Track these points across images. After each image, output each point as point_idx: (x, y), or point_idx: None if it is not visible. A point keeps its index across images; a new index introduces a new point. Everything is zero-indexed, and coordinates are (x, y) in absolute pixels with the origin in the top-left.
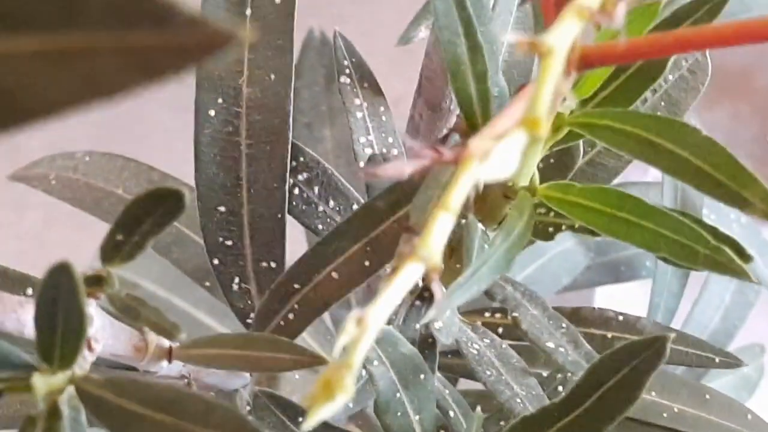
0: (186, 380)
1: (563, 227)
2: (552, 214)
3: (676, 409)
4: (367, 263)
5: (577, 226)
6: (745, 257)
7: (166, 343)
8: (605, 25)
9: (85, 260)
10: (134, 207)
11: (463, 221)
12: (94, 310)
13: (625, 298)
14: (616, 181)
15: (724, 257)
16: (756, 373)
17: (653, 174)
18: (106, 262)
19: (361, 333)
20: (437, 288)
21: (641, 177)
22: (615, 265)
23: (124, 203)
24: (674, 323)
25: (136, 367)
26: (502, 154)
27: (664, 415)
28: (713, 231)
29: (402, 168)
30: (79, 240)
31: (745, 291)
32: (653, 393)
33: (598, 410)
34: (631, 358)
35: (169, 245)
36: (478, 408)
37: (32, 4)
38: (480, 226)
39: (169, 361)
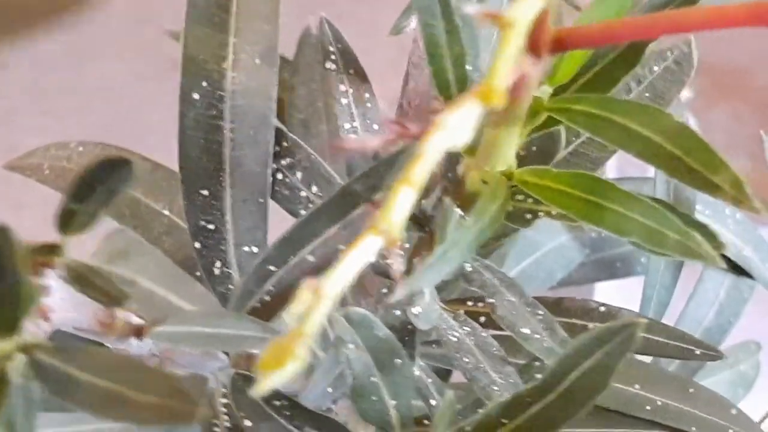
0: (158, 359)
1: (540, 213)
2: (530, 200)
3: (659, 402)
4: (342, 246)
5: (554, 212)
6: (717, 243)
7: (135, 319)
8: (568, 2)
9: (83, 256)
10: (85, 175)
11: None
12: (53, 280)
13: (623, 295)
14: (613, 176)
15: (693, 242)
16: (752, 370)
17: (653, 171)
18: (62, 231)
19: (316, 302)
20: (396, 262)
21: (642, 173)
22: (610, 262)
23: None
24: (669, 319)
25: (104, 343)
26: (457, 122)
27: (648, 407)
28: (683, 216)
29: (367, 141)
30: (77, 239)
31: (740, 287)
32: (636, 386)
33: (569, 395)
34: (602, 343)
35: (161, 235)
36: (450, 390)
37: None
38: (458, 210)
39: (139, 339)
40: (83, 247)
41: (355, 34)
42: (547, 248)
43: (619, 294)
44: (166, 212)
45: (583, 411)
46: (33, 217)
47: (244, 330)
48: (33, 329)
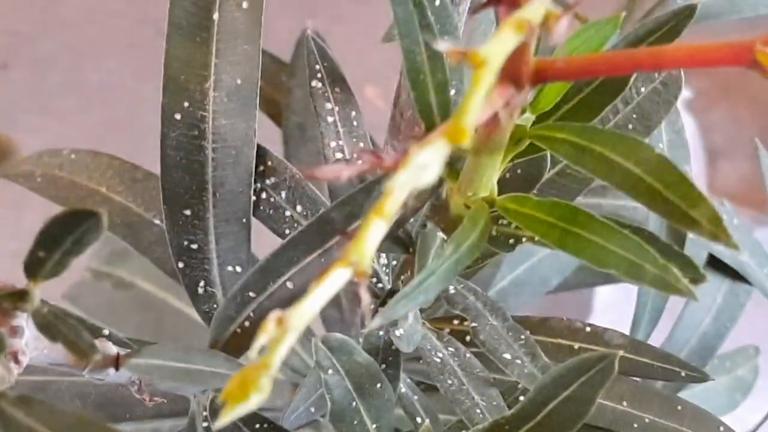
0: (136, 386)
1: (523, 239)
2: (513, 225)
3: (647, 420)
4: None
5: (536, 238)
6: (697, 275)
7: (113, 349)
8: (545, 40)
9: (82, 260)
10: (53, 226)
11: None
12: (24, 322)
13: (623, 299)
14: None
15: (671, 276)
16: (750, 374)
17: None
18: (31, 278)
19: (282, 334)
20: (364, 294)
21: None
22: None
23: (106, 202)
24: (666, 325)
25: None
26: (424, 161)
27: (635, 425)
28: (663, 248)
29: (340, 171)
30: None
31: (737, 292)
32: (624, 403)
33: (548, 424)
34: (581, 373)
35: (151, 245)
36: (427, 421)
37: None
38: (441, 235)
39: (116, 369)
40: None
41: (355, 36)
42: (542, 254)
43: (618, 298)
44: (157, 222)
45: None
46: (32, 218)
47: (214, 366)
48: (1, 372)
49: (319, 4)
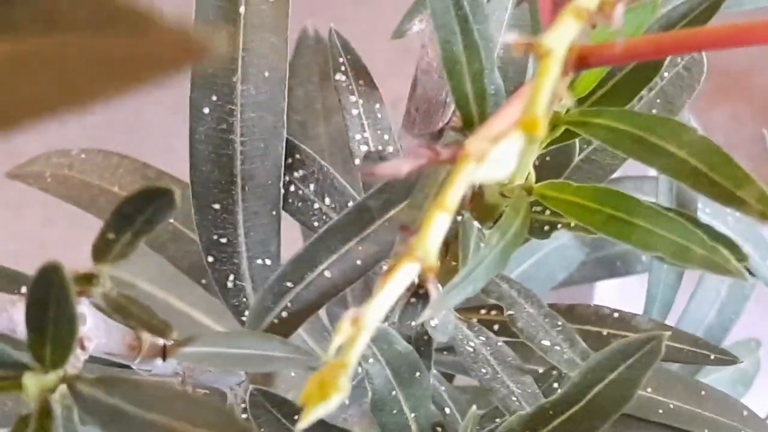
0: (180, 378)
1: (559, 226)
2: (548, 212)
3: (671, 406)
4: (359, 262)
5: (573, 224)
6: (740, 256)
7: (160, 341)
8: (604, 26)
9: (83, 259)
10: (125, 206)
11: (459, 219)
12: (86, 308)
13: (624, 293)
14: (614, 175)
15: (720, 257)
16: (752, 367)
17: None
18: (98, 261)
19: (357, 332)
20: (433, 288)
21: (644, 171)
22: (611, 260)
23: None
24: (670, 317)
25: (129, 365)
26: (500, 155)
27: (660, 411)
28: (708, 230)
29: (399, 166)
30: (77, 239)
31: (740, 285)
32: (649, 389)
33: (593, 408)
34: (627, 356)
35: (165, 242)
36: (473, 407)
37: (7, 7)
38: (476, 224)
39: (163, 359)
40: (83, 248)
41: (355, 37)
42: (548, 249)
43: (619, 292)
44: (171, 219)
45: (607, 423)
46: (33, 217)
47: (269, 350)
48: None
49: (319, 4)
